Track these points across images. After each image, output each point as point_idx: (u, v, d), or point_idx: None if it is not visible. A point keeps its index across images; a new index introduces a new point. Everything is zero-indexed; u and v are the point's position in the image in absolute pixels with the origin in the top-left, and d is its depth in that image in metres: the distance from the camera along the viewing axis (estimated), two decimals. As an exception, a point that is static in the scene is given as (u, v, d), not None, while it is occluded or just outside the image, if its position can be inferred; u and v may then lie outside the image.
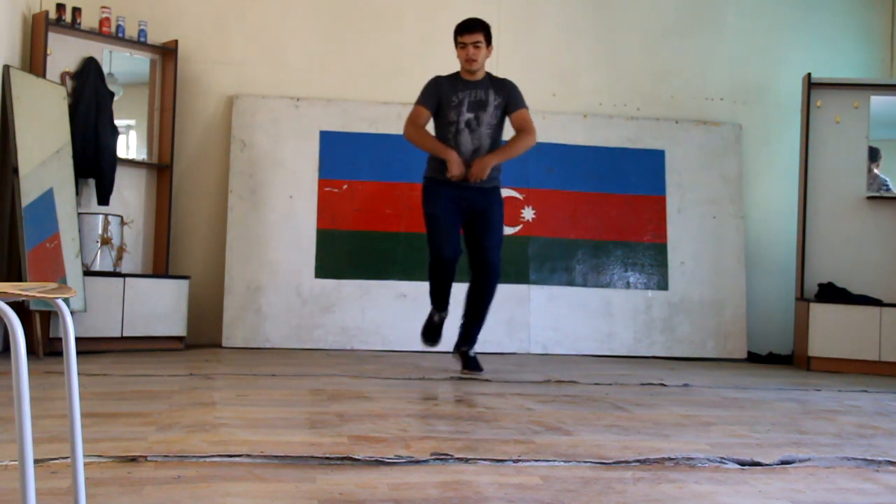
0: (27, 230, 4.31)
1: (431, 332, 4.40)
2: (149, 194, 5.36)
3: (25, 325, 4.02)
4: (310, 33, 5.73)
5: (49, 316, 4.43)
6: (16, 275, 4.53)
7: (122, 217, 5.10)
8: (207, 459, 2.11)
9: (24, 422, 1.18)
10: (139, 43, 5.22)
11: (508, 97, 4.26)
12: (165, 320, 4.92)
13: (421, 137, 4.24)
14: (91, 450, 2.13)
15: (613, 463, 2.24)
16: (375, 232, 5.54)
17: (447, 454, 2.24)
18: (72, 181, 4.70)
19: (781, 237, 6.09)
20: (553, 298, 5.66)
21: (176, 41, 5.31)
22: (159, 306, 4.89)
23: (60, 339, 1.80)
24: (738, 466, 2.26)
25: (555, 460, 2.24)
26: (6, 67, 4.45)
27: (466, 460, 2.20)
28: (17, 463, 1.60)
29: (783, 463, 2.31)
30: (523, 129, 4.28)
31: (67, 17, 4.93)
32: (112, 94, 5.09)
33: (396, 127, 5.34)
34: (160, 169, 5.33)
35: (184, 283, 5.03)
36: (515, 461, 2.21)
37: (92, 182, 5.02)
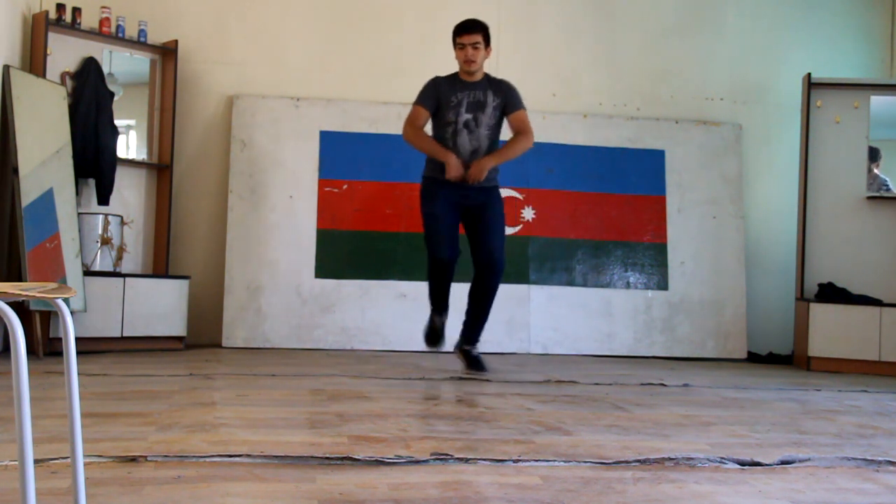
0: (27, 230, 4.31)
1: (434, 335, 4.41)
2: (149, 194, 5.36)
3: (25, 325, 4.02)
4: (310, 33, 5.73)
5: (49, 316, 4.43)
6: (16, 275, 4.53)
7: (122, 217, 5.10)
8: (207, 459, 2.11)
9: (24, 422, 1.18)
10: (139, 43, 5.22)
11: (507, 98, 4.27)
12: (165, 320, 4.92)
13: (420, 139, 4.24)
14: (91, 450, 2.13)
15: (613, 463, 2.24)
16: (375, 232, 5.54)
17: (447, 454, 2.24)
18: (72, 181, 4.70)
19: (781, 237, 6.09)
20: (553, 298, 5.66)
21: (176, 41, 5.31)
22: (159, 306, 4.89)
23: (60, 339, 1.80)
24: (738, 466, 2.26)
25: (555, 460, 2.24)
26: (6, 67, 4.45)
27: (466, 460, 2.20)
28: (17, 463, 1.60)
29: (783, 463, 2.31)
30: (521, 130, 4.29)
31: (67, 17, 4.93)
32: (112, 94, 5.09)
33: (396, 127, 5.33)
34: (160, 169, 5.33)
35: (184, 283, 5.03)
36: (515, 461, 2.20)
37: (92, 182, 5.02)
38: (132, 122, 5.45)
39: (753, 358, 5.84)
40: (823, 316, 5.36)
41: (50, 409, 2.76)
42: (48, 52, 4.78)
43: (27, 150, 4.42)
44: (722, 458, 2.33)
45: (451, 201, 4.21)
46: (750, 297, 5.94)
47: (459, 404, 3.30)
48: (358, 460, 2.14)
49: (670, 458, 2.29)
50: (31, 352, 4.25)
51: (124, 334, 4.76)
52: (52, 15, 4.86)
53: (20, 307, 4.20)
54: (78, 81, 4.95)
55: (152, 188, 5.36)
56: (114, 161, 5.04)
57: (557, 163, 5.81)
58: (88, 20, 5.04)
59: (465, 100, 4.21)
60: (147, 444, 2.27)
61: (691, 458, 2.30)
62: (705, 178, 5.95)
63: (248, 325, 5.29)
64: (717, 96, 6.17)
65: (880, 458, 2.40)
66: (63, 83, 4.88)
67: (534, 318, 5.60)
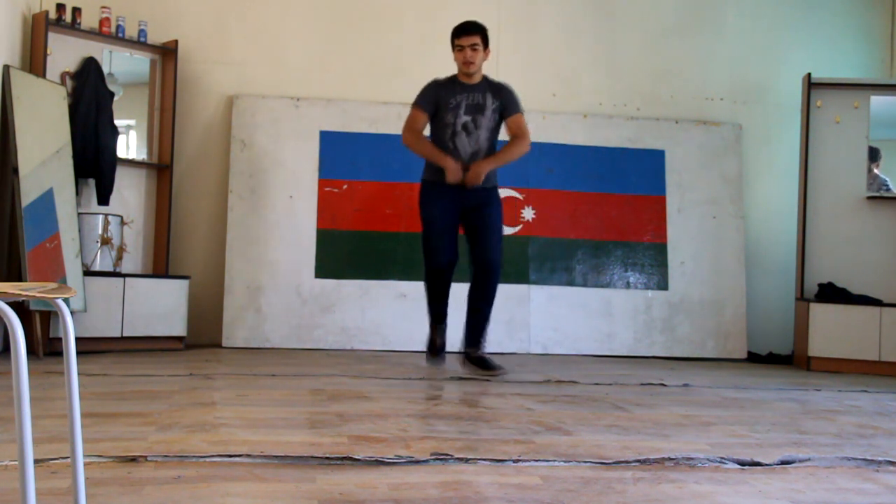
0: (27, 230, 4.31)
1: (435, 348, 4.41)
2: (149, 194, 5.36)
3: (25, 325, 4.02)
4: (310, 33, 5.73)
5: (49, 316, 4.43)
6: (16, 275, 4.53)
7: (122, 217, 5.10)
8: (207, 459, 2.11)
9: (24, 422, 1.18)
10: (139, 43, 5.22)
11: (505, 101, 4.29)
12: (165, 320, 4.91)
13: (419, 144, 4.26)
14: (91, 450, 2.13)
15: (613, 463, 2.24)
16: (375, 232, 5.54)
17: (447, 454, 2.24)
18: (72, 181, 4.70)
19: (781, 237, 6.09)
20: (553, 298, 5.66)
21: (176, 41, 5.31)
22: (159, 306, 4.89)
23: (60, 339, 1.80)
24: (738, 466, 2.26)
25: (555, 460, 2.24)
26: (6, 67, 4.45)
27: (466, 460, 2.20)
28: (17, 463, 1.60)
29: (783, 463, 2.31)
30: (518, 134, 4.31)
31: (67, 17, 4.93)
32: (112, 94, 5.09)
33: (396, 127, 5.33)
34: (160, 169, 5.33)
35: (184, 283, 5.03)
36: (515, 461, 2.20)
37: (92, 182, 5.02)
38: (132, 122, 5.45)
39: (753, 358, 5.84)
40: (823, 316, 5.36)
41: (50, 409, 2.76)
42: (48, 52, 4.78)
43: (27, 150, 4.42)
44: (722, 458, 2.33)
45: (450, 205, 4.22)
46: (750, 297, 5.94)
47: (459, 404, 3.30)
48: (358, 460, 2.14)
49: (670, 458, 2.29)
50: (31, 352, 4.25)
51: (124, 334, 4.76)
52: (52, 15, 4.86)
53: (20, 307, 4.20)
54: (78, 81, 4.95)
55: (152, 188, 5.36)
56: (114, 161, 5.04)
57: (557, 163, 5.81)
58: (88, 20, 5.04)
59: (463, 102, 4.22)
60: (147, 444, 2.27)
61: (691, 458, 2.30)
62: (705, 178, 5.95)
63: (248, 325, 5.29)
64: (717, 96, 6.17)
65: (880, 458, 2.40)
66: (63, 83, 4.88)
67: (534, 318, 5.60)
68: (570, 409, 3.17)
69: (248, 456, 2.14)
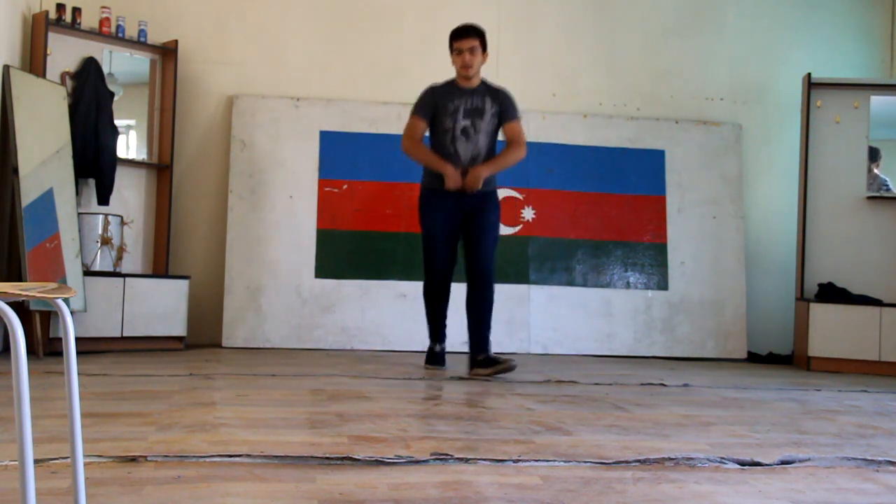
0: (27, 230, 4.31)
1: (435, 359, 4.42)
2: (149, 194, 5.36)
3: (25, 325, 4.02)
4: (310, 33, 5.74)
5: (49, 316, 4.43)
6: (16, 275, 4.53)
7: (122, 217, 5.10)
8: (207, 459, 2.11)
9: (24, 422, 1.18)
10: (139, 43, 5.22)
11: (503, 106, 4.31)
12: (165, 320, 4.91)
13: (418, 151, 4.29)
14: (91, 450, 2.12)
15: (613, 463, 2.24)
16: (375, 232, 5.54)
17: (447, 454, 2.24)
18: (72, 181, 4.70)
19: (781, 237, 6.09)
20: (553, 298, 5.66)
21: (176, 41, 5.31)
22: (159, 306, 4.89)
23: (60, 339, 1.80)
24: (738, 466, 2.26)
25: (555, 460, 2.24)
26: (6, 67, 4.45)
27: (466, 460, 2.20)
28: (17, 463, 1.60)
29: (783, 463, 2.31)
30: (515, 141, 4.33)
31: (67, 17, 4.93)
32: (112, 94, 5.09)
33: (396, 127, 5.34)
34: (160, 169, 5.33)
35: (184, 283, 5.03)
36: (515, 461, 2.20)
37: (92, 182, 5.02)
38: (132, 122, 5.45)
39: (753, 358, 5.84)
40: (823, 316, 5.36)
41: (50, 409, 2.76)
42: (48, 52, 4.78)
43: (27, 150, 4.42)
44: (722, 458, 2.33)
45: (450, 212, 4.26)
46: (750, 297, 5.94)
47: (459, 404, 3.30)
48: (358, 460, 2.14)
49: (670, 458, 2.29)
50: (31, 352, 4.25)
51: (124, 334, 4.76)
52: (52, 15, 4.86)
53: (20, 307, 4.20)
54: (78, 81, 4.95)
55: (152, 188, 5.36)
56: (114, 161, 5.04)
57: (557, 163, 5.81)
58: (88, 20, 5.04)
59: (462, 106, 4.24)
60: (147, 444, 2.27)
61: (691, 458, 2.30)
62: (705, 178, 5.95)
63: (248, 325, 5.29)
64: (717, 96, 6.18)
65: (880, 458, 2.40)
66: (63, 83, 4.88)
67: (534, 318, 5.60)
68: (570, 409, 3.17)
69: (248, 456, 2.14)
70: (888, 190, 5.82)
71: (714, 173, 5.97)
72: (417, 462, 2.16)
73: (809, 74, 5.68)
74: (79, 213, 4.76)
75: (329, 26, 5.76)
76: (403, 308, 5.41)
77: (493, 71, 5.51)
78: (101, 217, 4.95)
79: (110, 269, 4.95)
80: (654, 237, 5.83)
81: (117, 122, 5.12)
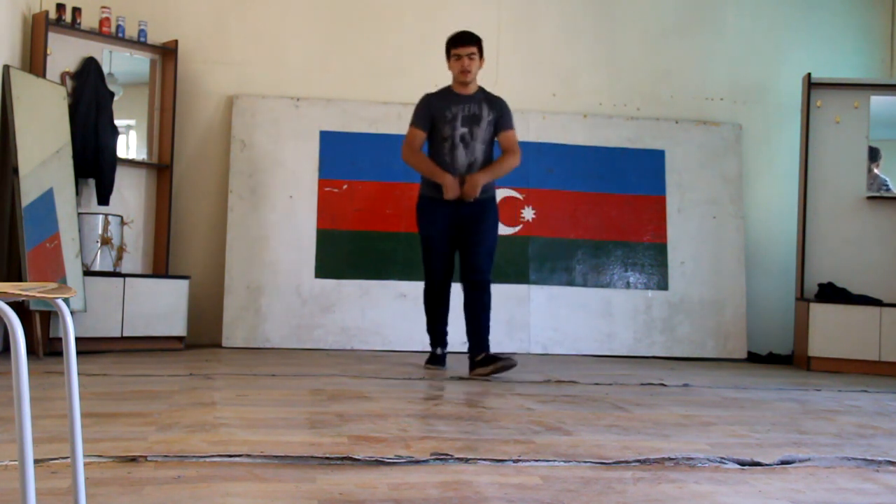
0: (27, 230, 4.31)
1: (435, 360, 4.44)
2: (149, 194, 5.36)
3: (25, 325, 4.02)
4: (310, 33, 5.74)
5: (49, 316, 4.43)
6: (16, 275, 4.53)
7: (122, 217, 5.10)
8: (207, 459, 2.11)
9: (24, 422, 1.18)
10: (139, 43, 5.22)
11: (500, 115, 4.33)
12: (165, 320, 4.92)
13: (418, 161, 4.32)
14: (91, 450, 2.12)
15: (613, 463, 2.24)
16: (375, 232, 5.54)
17: (447, 454, 2.24)
18: (72, 181, 4.70)
19: (781, 237, 6.09)
20: (553, 298, 5.66)
21: (176, 41, 5.31)
22: (159, 306, 4.89)
23: (60, 339, 1.80)
24: (738, 466, 2.26)
25: (555, 460, 2.24)
26: (6, 67, 4.45)
27: (466, 460, 2.20)
28: (17, 463, 1.60)
29: (783, 463, 2.31)
30: (510, 150, 4.36)
31: (67, 17, 4.93)
32: (112, 94, 5.09)
33: (396, 127, 5.34)
34: (160, 169, 5.33)
35: (184, 283, 5.03)
36: (515, 461, 2.20)
37: (92, 182, 5.02)
38: (132, 122, 5.45)
39: (753, 358, 5.84)
40: (823, 316, 5.36)
41: (50, 409, 2.76)
42: (48, 52, 4.78)
43: (27, 150, 4.42)
44: (722, 458, 2.33)
45: (448, 219, 4.29)
46: (750, 297, 5.94)
47: (459, 404, 3.30)
48: (358, 460, 2.14)
49: (670, 458, 2.29)
50: (31, 352, 4.25)
51: (124, 334, 4.76)
52: (52, 15, 4.86)
53: (20, 307, 4.20)
54: (78, 81, 4.95)
55: (152, 188, 5.36)
56: (114, 161, 5.04)
57: (557, 163, 5.81)
58: (88, 20, 5.04)
59: (459, 114, 4.26)
60: (147, 444, 2.27)
61: (691, 458, 2.30)
62: (705, 178, 5.95)
63: (248, 325, 5.29)
64: (717, 96, 6.17)
65: (880, 458, 2.40)
66: (63, 83, 4.88)
67: (534, 318, 5.60)
68: (570, 409, 3.17)
69: (248, 456, 2.14)
70: (888, 190, 5.82)
71: (714, 173, 5.97)
72: (417, 462, 2.16)
73: (809, 74, 5.68)
74: (79, 213, 4.76)
75: (329, 26, 5.76)
76: (403, 308, 5.41)
77: (492, 71, 5.52)
78: (101, 217, 4.95)
79: (110, 269, 4.95)
80: (654, 237, 5.83)
81: (117, 122, 5.12)
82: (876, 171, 5.83)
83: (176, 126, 5.34)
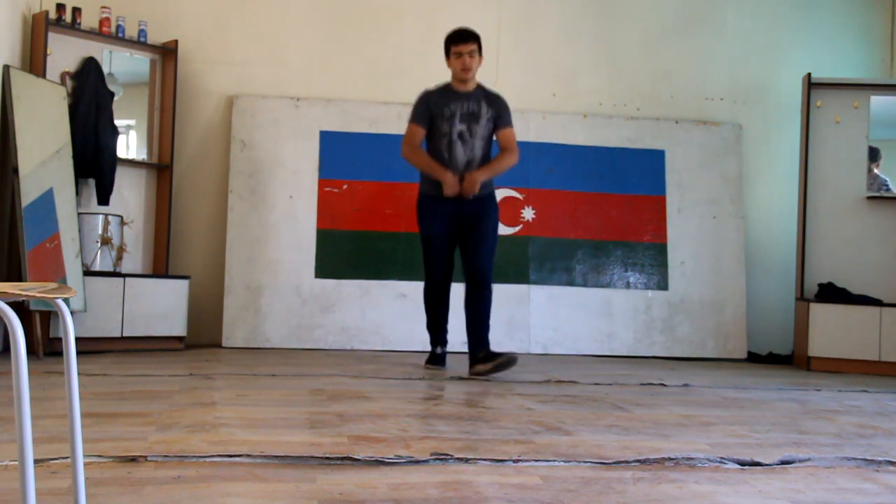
0: (27, 230, 4.31)
1: (436, 360, 4.43)
2: (149, 194, 5.36)
3: (25, 325, 4.02)
4: (310, 33, 5.74)
5: (49, 316, 4.43)
6: (16, 275, 4.53)
7: (122, 217, 5.10)
8: (207, 459, 2.11)
9: (24, 422, 1.18)
10: (139, 43, 5.22)
11: (499, 112, 4.34)
12: (165, 320, 4.92)
13: (417, 158, 4.33)
14: (91, 450, 2.12)
15: (613, 463, 2.24)
16: (375, 232, 5.54)
17: (447, 454, 2.24)
18: (72, 181, 4.70)
19: (781, 237, 6.09)
20: (553, 298, 5.66)
21: (176, 41, 5.31)
22: (159, 306, 4.89)
23: (60, 339, 1.80)
24: (738, 466, 2.26)
25: (555, 460, 2.24)
26: (6, 67, 4.45)
27: (466, 460, 2.20)
28: (17, 463, 1.60)
29: (783, 463, 2.31)
30: (508, 148, 4.36)
31: (67, 17, 4.93)
32: (112, 94, 5.09)
33: (396, 127, 5.34)
34: (160, 169, 5.33)
35: (184, 283, 5.03)
36: (515, 461, 2.20)
37: (92, 182, 5.02)
38: (132, 122, 5.45)
39: (753, 358, 5.84)
40: (823, 316, 5.36)
41: (50, 409, 2.76)
42: (48, 52, 4.78)
43: (27, 150, 4.42)
44: (722, 458, 2.33)
45: (448, 216, 4.29)
46: (750, 297, 5.94)
47: (459, 404, 3.30)
48: (358, 460, 2.14)
49: (670, 458, 2.29)
50: (31, 352, 4.25)
51: (124, 334, 4.76)
52: (52, 15, 4.86)
53: (20, 307, 4.20)
54: (78, 81, 4.95)
55: (152, 188, 5.36)
56: (114, 161, 5.04)
57: (557, 163, 5.81)
58: (88, 20, 5.04)
59: (458, 111, 4.27)
60: (147, 444, 2.27)
61: (691, 458, 2.30)
62: (705, 178, 5.95)
63: (248, 325, 5.29)
64: (717, 96, 6.17)
65: (880, 458, 2.40)
66: (63, 83, 4.88)
67: (534, 318, 5.60)
68: (570, 409, 3.17)
69: (248, 456, 2.14)
70: (888, 190, 5.82)
71: (714, 173, 5.97)
72: (417, 462, 2.16)
73: (809, 74, 5.68)
74: (79, 213, 4.76)
75: (329, 26, 5.76)
76: (403, 308, 5.41)
77: (492, 71, 5.52)
78: (101, 217, 4.95)
79: (110, 269, 4.95)
80: (654, 237, 5.83)
81: (117, 122, 5.12)
82: (876, 171, 5.83)
83: (176, 126, 5.34)
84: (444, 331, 4.44)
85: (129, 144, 5.44)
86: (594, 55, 6.08)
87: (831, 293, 5.49)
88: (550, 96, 5.98)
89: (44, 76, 4.72)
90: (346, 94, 5.71)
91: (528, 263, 5.67)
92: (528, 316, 5.60)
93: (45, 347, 4.40)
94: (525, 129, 5.63)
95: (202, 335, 5.37)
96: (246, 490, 1.86)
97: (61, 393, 3.06)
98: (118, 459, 2.07)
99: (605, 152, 5.89)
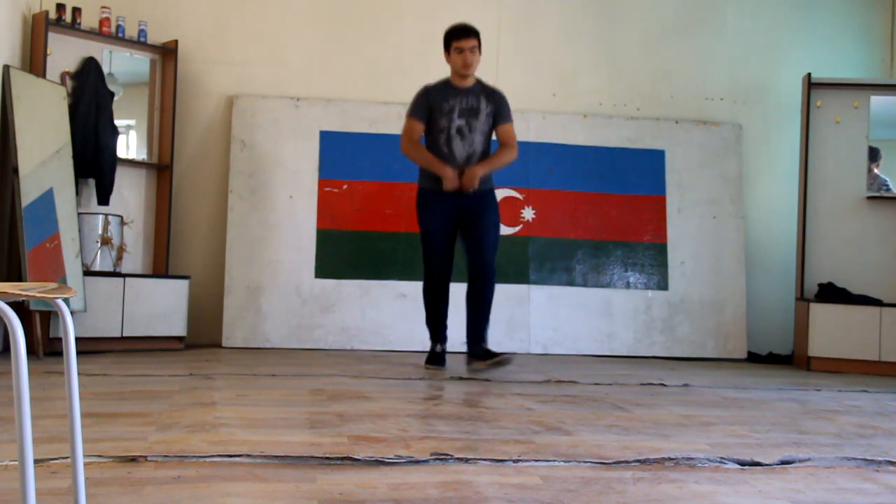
0: (27, 230, 4.31)
1: (435, 359, 4.43)
2: (149, 194, 5.36)
3: (25, 325, 4.02)
4: (310, 33, 5.73)
5: (49, 316, 4.43)
6: (16, 275, 4.53)
7: (122, 217, 5.10)
8: (207, 459, 2.11)
9: (24, 422, 1.18)
10: (139, 43, 5.22)
11: (498, 108, 4.34)
12: (165, 320, 4.92)
13: (417, 153, 4.34)
14: (91, 450, 2.12)
15: (613, 463, 2.24)
16: (375, 232, 5.54)
17: (447, 454, 2.24)
18: (72, 181, 4.70)
19: (781, 237, 6.09)
20: (553, 298, 5.66)
21: (176, 41, 5.31)
22: (159, 306, 4.89)
23: (60, 339, 1.80)
24: (738, 466, 2.26)
25: (555, 460, 2.24)
26: (6, 67, 4.45)
27: (466, 460, 2.20)
28: (17, 463, 1.60)
29: (783, 463, 2.31)
30: (507, 143, 4.38)
31: (67, 17, 4.93)
32: (112, 94, 5.09)
33: (396, 127, 5.34)
34: (160, 169, 5.33)
35: (184, 283, 5.03)
36: (515, 461, 2.20)
37: (92, 182, 5.02)
38: (132, 122, 5.45)
39: (753, 358, 5.84)
40: (823, 316, 5.36)
41: (50, 409, 2.76)
42: (48, 52, 4.78)
43: (27, 150, 4.42)
44: (722, 458, 2.33)
45: (447, 211, 4.30)
46: (750, 297, 5.94)
47: (459, 404, 3.30)
48: (358, 460, 2.14)
49: (670, 458, 2.29)
50: (31, 352, 4.25)
51: (124, 334, 4.76)
52: (52, 15, 4.86)
53: (20, 307, 4.20)
54: (78, 81, 4.95)
55: (152, 188, 5.36)
56: (114, 161, 5.04)
57: (557, 163, 5.81)
58: (88, 20, 5.04)
59: (457, 106, 4.28)
60: (147, 444, 2.27)
61: (691, 458, 2.30)
62: (705, 178, 5.95)
63: (248, 325, 5.29)
64: (717, 96, 6.17)
65: (880, 458, 2.40)
66: (63, 83, 4.88)
67: (534, 318, 5.60)
68: (570, 409, 3.17)
69: (248, 456, 2.14)
70: (888, 190, 5.82)
71: (714, 173, 5.97)
72: (417, 462, 2.16)
73: (809, 74, 5.68)
74: (79, 213, 4.76)
75: (329, 26, 5.76)
76: (403, 308, 5.41)
77: (492, 71, 5.52)
78: (101, 217, 4.95)
79: (110, 269, 4.95)
80: (654, 237, 5.83)
81: (117, 122, 5.12)
82: (876, 171, 5.82)
83: (176, 126, 5.34)
84: (444, 327, 4.43)
85: (129, 144, 5.44)
86: (594, 55, 6.08)
87: (831, 293, 5.49)
88: (550, 96, 5.98)
89: (44, 76, 4.72)
90: (346, 94, 5.71)
91: (528, 263, 5.67)
92: (528, 316, 5.60)
93: (45, 347, 4.40)
94: (525, 129, 5.63)
95: (202, 335, 5.37)
96: (246, 490, 1.86)
97: (61, 393, 3.06)
98: (118, 459, 2.07)
99: (605, 152, 5.89)
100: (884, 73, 6.31)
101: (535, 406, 3.23)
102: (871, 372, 5.23)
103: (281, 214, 5.46)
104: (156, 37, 5.34)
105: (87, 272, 4.72)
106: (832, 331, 5.33)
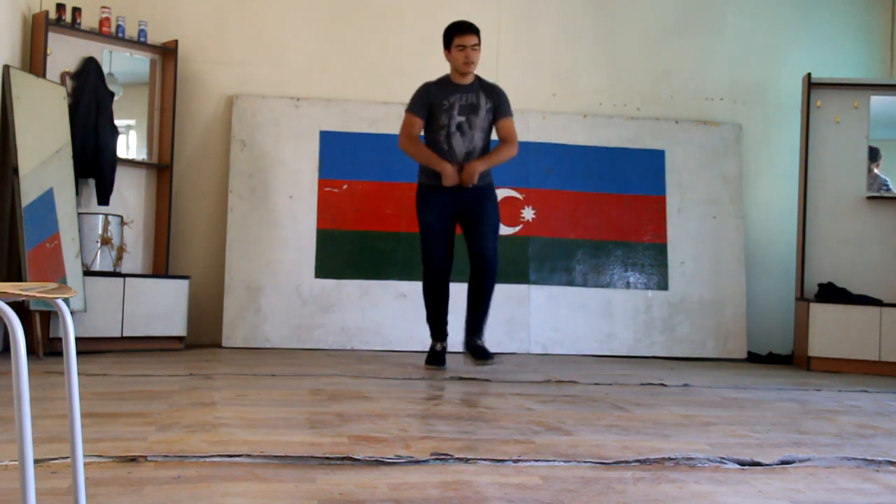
0: (27, 230, 4.31)
1: (435, 358, 4.44)
2: (149, 194, 5.36)
3: (25, 325, 4.02)
4: (310, 33, 5.74)
5: (49, 316, 4.43)
6: (16, 275, 4.53)
7: (122, 217, 5.10)
8: (207, 459, 2.11)
9: (24, 422, 1.18)
10: (139, 43, 5.22)
11: (498, 103, 4.35)
12: (165, 320, 4.92)
13: (416, 149, 4.34)
14: (91, 450, 2.12)
15: (613, 463, 2.24)
16: (375, 232, 5.54)
17: (447, 454, 2.24)
18: (72, 181, 4.70)
19: (781, 237, 6.09)
20: (553, 298, 5.66)
21: (176, 41, 5.31)
22: (159, 306, 4.89)
23: (60, 339, 1.80)
24: (738, 466, 2.26)
25: (555, 460, 2.24)
26: (6, 67, 4.45)
27: (466, 460, 2.20)
28: (17, 463, 1.60)
29: (783, 463, 2.31)
30: (507, 138, 4.39)
31: (67, 17, 4.93)
32: (112, 94, 5.09)
33: (396, 127, 5.33)
34: (160, 169, 5.33)
35: (184, 283, 5.03)
36: (515, 461, 2.20)
37: (92, 182, 5.02)
38: (132, 122, 5.45)
39: (753, 358, 5.84)
40: (823, 316, 5.36)
41: (50, 409, 2.76)
42: (48, 52, 4.78)
43: (27, 150, 4.42)
44: (722, 458, 2.33)
45: (447, 206, 4.31)
46: (750, 297, 5.94)
47: (459, 404, 3.30)
48: (358, 460, 2.14)
49: (670, 458, 2.29)
50: (31, 352, 4.25)
51: (124, 334, 4.76)
52: (52, 15, 4.86)
53: (20, 307, 4.20)
54: (78, 81, 4.95)
55: (152, 188, 5.36)
56: (114, 161, 5.04)
57: (557, 163, 5.81)
58: (88, 20, 5.04)
59: (457, 103, 4.29)
60: (147, 444, 2.27)
61: (691, 458, 2.30)
62: (705, 178, 5.95)
63: (248, 325, 5.29)
64: (717, 96, 6.17)
65: (880, 458, 2.40)
66: (63, 83, 4.88)
67: (534, 318, 5.60)
68: (570, 409, 3.17)
69: (248, 456, 2.14)
70: (888, 190, 5.82)
71: (714, 173, 5.97)
72: (417, 462, 2.16)
73: (809, 74, 5.68)
74: (79, 213, 4.76)
75: (329, 26, 5.76)
76: (403, 308, 5.41)
77: (492, 71, 5.52)
78: (101, 217, 4.95)
79: (110, 269, 4.95)
80: (654, 237, 5.83)
81: (117, 122, 5.12)
82: (876, 171, 5.82)
83: (176, 126, 5.34)
84: (444, 324, 4.42)
85: (129, 144, 5.44)
86: (594, 55, 6.08)
87: (831, 293, 5.49)
88: (550, 96, 5.98)
89: (44, 76, 4.72)
90: (346, 94, 5.71)
91: (528, 263, 5.67)
92: (528, 316, 5.60)
93: (45, 347, 4.40)
94: (525, 129, 5.63)
95: (202, 335, 5.37)
96: (246, 490, 1.86)
97: (61, 393, 3.07)
98: (118, 459, 2.07)
99: (605, 152, 5.89)
100: (884, 73, 6.31)
101: (535, 406, 3.23)
102: (871, 372, 5.23)
103: (281, 214, 5.46)
104: (156, 37, 5.34)
105: (87, 272, 4.72)
106: (832, 331, 5.33)
